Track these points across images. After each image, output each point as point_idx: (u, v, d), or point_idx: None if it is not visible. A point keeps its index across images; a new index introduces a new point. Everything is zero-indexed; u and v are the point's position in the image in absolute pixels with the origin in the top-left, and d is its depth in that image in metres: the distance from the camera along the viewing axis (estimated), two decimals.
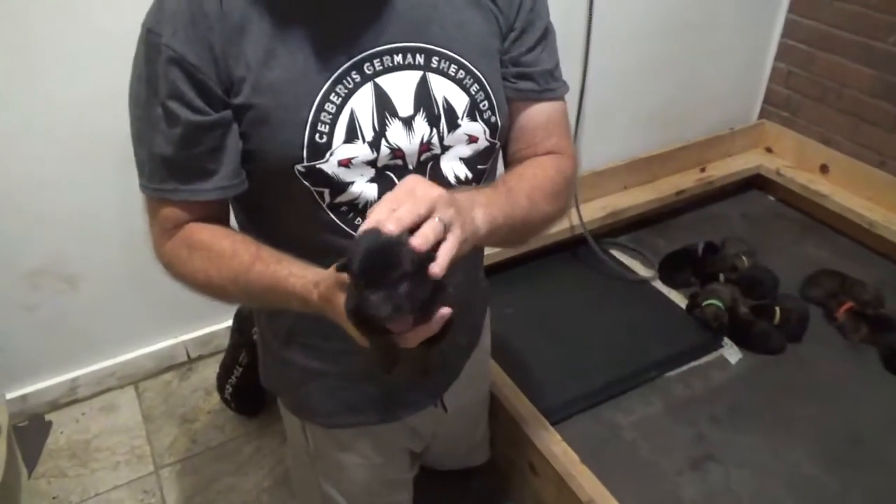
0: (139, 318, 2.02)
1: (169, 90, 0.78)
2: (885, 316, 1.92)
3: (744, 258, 2.14)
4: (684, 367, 1.84)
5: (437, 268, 0.67)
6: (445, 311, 0.70)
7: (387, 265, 0.65)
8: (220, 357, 2.01)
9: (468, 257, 0.78)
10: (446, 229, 0.70)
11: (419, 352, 0.75)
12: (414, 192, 0.70)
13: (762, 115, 2.68)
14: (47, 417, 1.99)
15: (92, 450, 1.90)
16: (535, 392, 1.63)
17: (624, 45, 2.22)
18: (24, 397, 1.95)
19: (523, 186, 0.90)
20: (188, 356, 2.15)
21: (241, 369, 1.89)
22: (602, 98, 2.25)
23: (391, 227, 0.66)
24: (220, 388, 1.97)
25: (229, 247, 0.84)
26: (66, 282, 1.86)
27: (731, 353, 1.88)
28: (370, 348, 0.73)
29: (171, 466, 1.86)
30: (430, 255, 0.67)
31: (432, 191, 0.71)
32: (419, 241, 0.66)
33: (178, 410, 2.01)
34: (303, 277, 0.78)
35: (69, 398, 2.02)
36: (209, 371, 2.10)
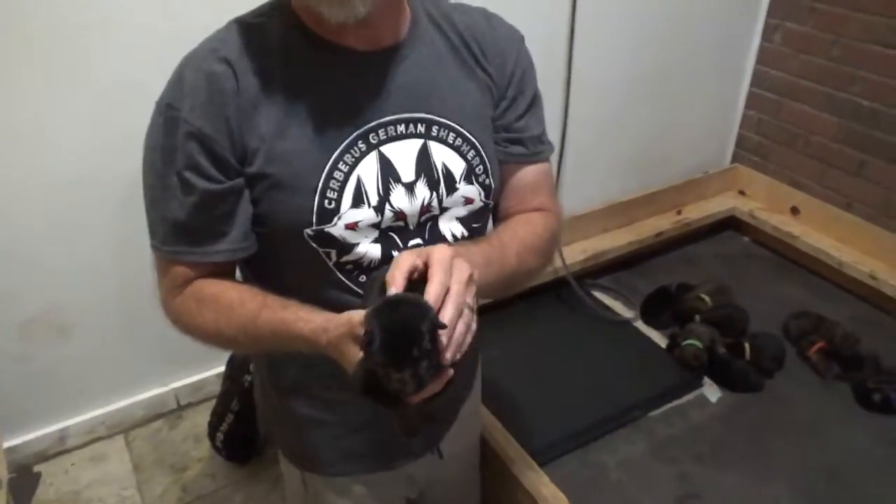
0: (129, 367, 2.03)
1: (186, 161, 0.83)
2: (855, 355, 1.97)
3: (706, 298, 2.18)
4: (666, 407, 1.89)
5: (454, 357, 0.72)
6: (448, 372, 0.74)
7: (409, 344, 0.68)
8: (210, 404, 2.02)
9: None
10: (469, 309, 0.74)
11: (420, 408, 0.78)
12: (452, 271, 0.75)
13: (735, 159, 2.79)
14: (36, 469, 1.98)
15: (82, 501, 1.89)
16: (522, 434, 1.67)
17: (602, 95, 2.32)
18: (12, 449, 1.93)
19: (514, 244, 0.96)
20: (178, 403, 2.15)
21: (232, 416, 1.91)
22: (582, 144, 2.33)
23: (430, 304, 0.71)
24: (211, 435, 1.97)
25: (237, 297, 0.88)
26: (59, 332, 1.87)
27: (711, 391, 1.94)
28: (392, 416, 0.77)
29: None
30: (442, 324, 0.70)
31: (465, 270, 0.76)
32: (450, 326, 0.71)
33: (169, 459, 2.01)
34: (310, 322, 0.82)
35: (58, 448, 2.01)
36: (199, 418, 2.10)
